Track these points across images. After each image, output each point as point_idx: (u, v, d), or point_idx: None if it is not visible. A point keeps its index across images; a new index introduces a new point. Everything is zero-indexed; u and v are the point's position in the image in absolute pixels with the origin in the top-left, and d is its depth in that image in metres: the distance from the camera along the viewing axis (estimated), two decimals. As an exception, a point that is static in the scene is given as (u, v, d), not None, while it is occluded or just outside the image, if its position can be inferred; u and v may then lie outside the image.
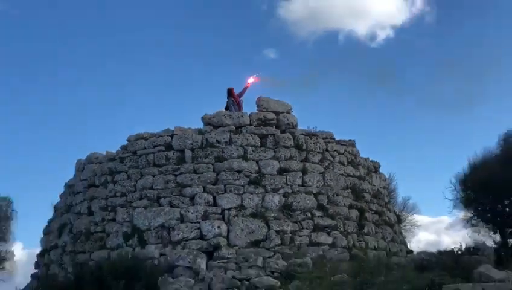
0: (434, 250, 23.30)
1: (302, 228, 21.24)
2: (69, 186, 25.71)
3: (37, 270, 25.29)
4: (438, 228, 77.38)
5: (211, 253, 20.19)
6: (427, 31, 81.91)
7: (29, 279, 25.32)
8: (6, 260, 30.70)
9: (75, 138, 76.72)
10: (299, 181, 22.02)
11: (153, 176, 22.03)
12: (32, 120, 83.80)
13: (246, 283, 18.41)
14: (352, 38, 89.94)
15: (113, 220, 22.13)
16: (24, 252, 78.18)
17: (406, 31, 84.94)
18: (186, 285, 18.65)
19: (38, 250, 26.63)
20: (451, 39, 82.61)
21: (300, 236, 21.04)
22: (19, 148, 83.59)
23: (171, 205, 21.27)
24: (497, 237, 29.08)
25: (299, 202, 21.48)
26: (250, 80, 26.11)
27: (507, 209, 29.08)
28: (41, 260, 25.14)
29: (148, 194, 21.73)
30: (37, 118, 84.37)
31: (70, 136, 79.83)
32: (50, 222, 26.22)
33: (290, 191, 21.71)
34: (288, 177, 21.91)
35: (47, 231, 25.90)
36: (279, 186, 21.66)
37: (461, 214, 31.10)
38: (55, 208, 26.36)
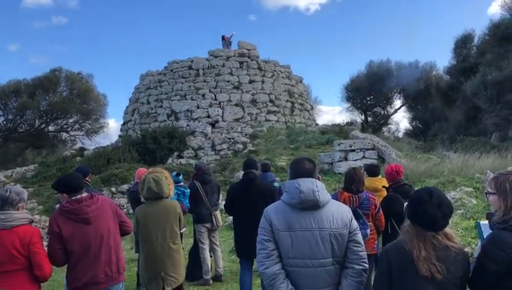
0: (330, 124, 26.30)
1: (261, 112, 23.88)
2: (136, 88, 27.36)
3: (121, 133, 27.37)
4: (333, 112, 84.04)
5: (213, 124, 22.79)
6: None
7: (117, 138, 27.34)
8: (105, 127, 34.68)
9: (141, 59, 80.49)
10: (260, 87, 24.43)
11: (182, 83, 24.33)
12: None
13: (232, 139, 21.26)
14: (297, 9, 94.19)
15: (161, 106, 24.51)
16: (115, 124, 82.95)
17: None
18: (201, 141, 21.44)
19: (121, 122, 28.58)
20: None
21: (260, 116, 23.78)
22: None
23: (192, 99, 23.72)
24: (363, 117, 33.39)
25: (260, 98, 24.07)
26: (234, 32, 27.21)
27: (368, 102, 33.28)
28: (124, 127, 27.29)
29: (179, 93, 24.19)
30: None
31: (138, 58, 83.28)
32: (127, 107, 27.77)
33: (255, 92, 24.19)
34: (254, 84, 24.35)
35: (126, 112, 27.51)
36: (249, 90, 24.13)
37: (345, 104, 34.62)
38: (130, 99, 27.94)
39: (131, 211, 14.88)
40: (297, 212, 2.61)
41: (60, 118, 33.81)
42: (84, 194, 3.60)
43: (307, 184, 2.63)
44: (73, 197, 3.53)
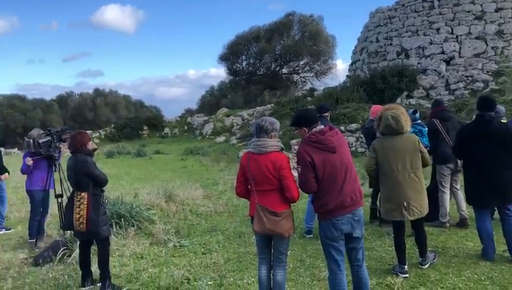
0: None
1: (510, 45, 20.61)
2: (365, 26, 26.82)
3: (349, 73, 27.67)
4: None
5: (448, 61, 21.10)
6: None
7: (345, 78, 28.05)
8: (333, 68, 35.85)
9: None
10: (510, 15, 20.95)
11: (414, 18, 22.77)
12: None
13: (470, 78, 19.66)
14: None
15: (391, 44, 23.73)
16: (342, 64, 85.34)
17: None
18: (433, 79, 20.56)
19: (348, 63, 29.11)
20: None
21: (508, 50, 20.54)
22: None
23: (424, 35, 22.12)
24: None
25: (508, 28, 20.73)
26: None
27: None
28: (351, 67, 27.46)
29: (411, 29, 22.83)
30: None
31: None
32: (355, 47, 27.96)
33: (502, 22, 20.90)
34: (501, 13, 20.98)
35: (354, 52, 27.80)
36: (495, 19, 20.96)
37: None
38: (358, 39, 27.81)
39: (360, 149, 15.26)
40: None
41: (292, 61, 36.31)
42: (322, 126, 3.76)
43: None
44: (314, 129, 3.71)
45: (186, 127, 30.16)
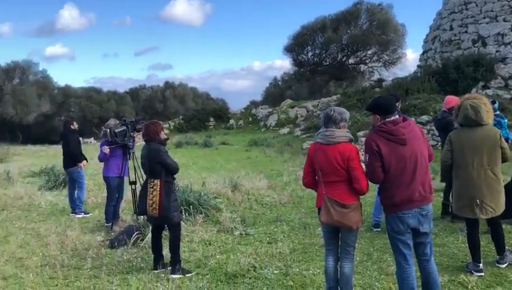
0: None
1: None
2: (438, 14, 25.30)
3: (419, 63, 26.06)
4: None
5: (532, 48, 19.58)
6: None
7: (415, 68, 26.44)
8: (403, 58, 34.45)
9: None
10: None
11: (493, 3, 21.29)
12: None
13: None
14: None
15: (466, 32, 22.31)
16: (412, 54, 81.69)
17: None
18: None
19: (418, 52, 28.44)
20: None
21: None
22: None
23: (504, 20, 20.73)
24: None
25: None
26: None
27: None
28: (422, 57, 26.03)
29: (489, 15, 21.38)
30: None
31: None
32: (427, 35, 26.21)
33: None
34: None
35: (426, 40, 26.12)
36: None
37: None
38: (430, 26, 26.19)
39: (431, 142, 14.66)
40: None
41: (359, 51, 35.52)
42: (397, 117, 3.64)
43: None
44: (388, 119, 3.60)
45: (250, 119, 30.49)
